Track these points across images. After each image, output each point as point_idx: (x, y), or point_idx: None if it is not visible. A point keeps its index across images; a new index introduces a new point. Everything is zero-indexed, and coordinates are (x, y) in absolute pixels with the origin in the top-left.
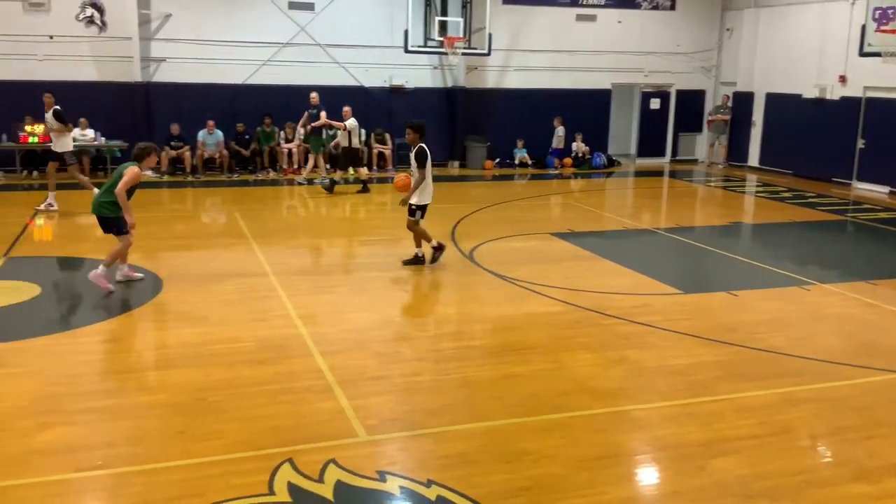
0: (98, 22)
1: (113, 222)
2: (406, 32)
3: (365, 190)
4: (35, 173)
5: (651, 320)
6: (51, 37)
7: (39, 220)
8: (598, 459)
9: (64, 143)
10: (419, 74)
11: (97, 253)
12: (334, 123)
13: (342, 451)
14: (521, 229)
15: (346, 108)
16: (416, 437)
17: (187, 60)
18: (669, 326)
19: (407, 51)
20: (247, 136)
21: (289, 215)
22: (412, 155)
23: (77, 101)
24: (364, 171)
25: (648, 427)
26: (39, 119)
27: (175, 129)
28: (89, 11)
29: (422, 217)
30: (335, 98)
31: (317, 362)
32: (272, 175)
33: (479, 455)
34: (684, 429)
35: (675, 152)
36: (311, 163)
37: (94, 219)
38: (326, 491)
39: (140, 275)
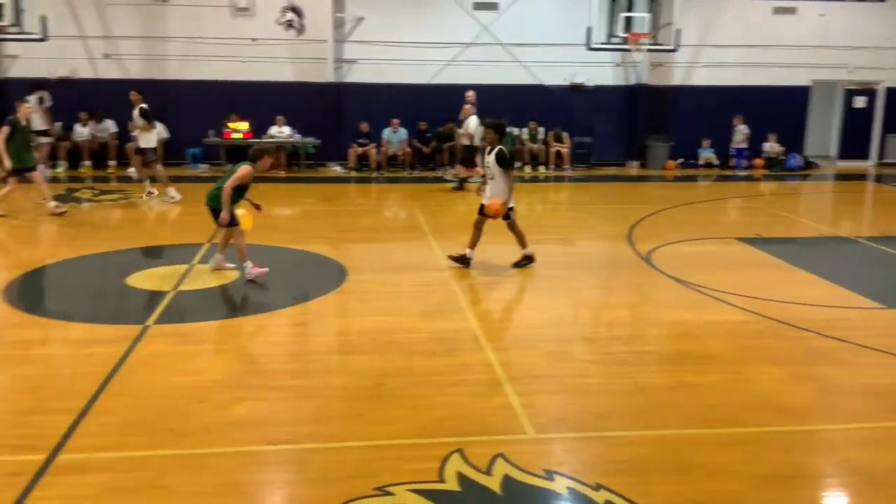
0: (297, 25)
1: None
2: (589, 30)
3: (460, 188)
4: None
5: (847, 335)
6: (254, 39)
7: (240, 210)
8: (780, 479)
9: (148, 140)
10: (601, 72)
11: (292, 242)
12: (458, 131)
13: (510, 446)
14: (704, 233)
15: (467, 106)
16: (585, 440)
17: (376, 62)
18: (869, 343)
19: (589, 48)
20: (428, 135)
21: (465, 212)
22: (491, 157)
23: (275, 99)
24: (461, 169)
25: (839, 449)
26: (246, 116)
27: (364, 127)
28: (289, 16)
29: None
30: (514, 97)
31: (488, 357)
32: (450, 173)
33: (650, 463)
34: (880, 454)
35: (881, 155)
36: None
37: (289, 209)
38: (494, 484)
39: (232, 265)
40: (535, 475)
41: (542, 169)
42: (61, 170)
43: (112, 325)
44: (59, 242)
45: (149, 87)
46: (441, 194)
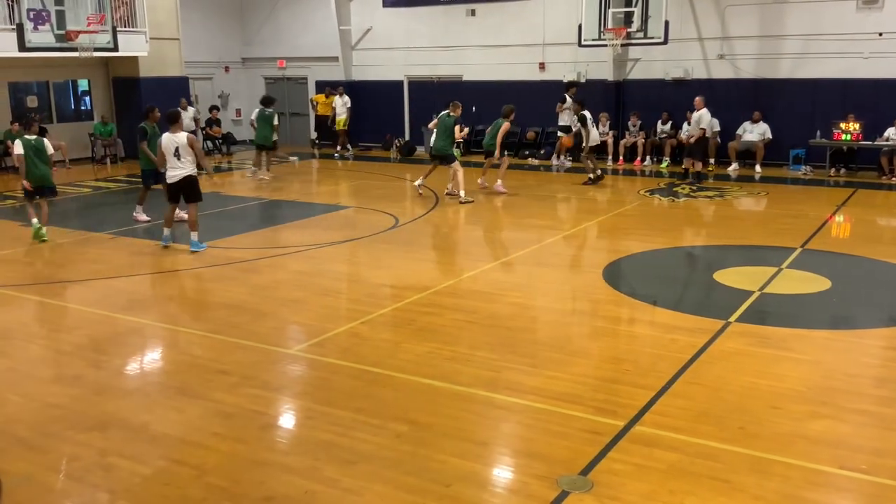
0: None
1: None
2: None
3: None
4: (842, 171)
5: None
6: (880, 34)
7: (839, 217)
8: None
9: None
10: None
11: (890, 256)
12: None
13: None
14: None
15: None
16: None
17: None
18: None
19: None
20: None
21: None
22: None
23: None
24: None
25: None
26: (860, 117)
27: None
28: None
29: None
30: None
31: None
32: None
33: None
34: None
35: None
36: None
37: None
38: None
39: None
40: None
41: None
42: (664, 165)
43: (695, 316)
44: (653, 233)
45: (758, 87)
46: None
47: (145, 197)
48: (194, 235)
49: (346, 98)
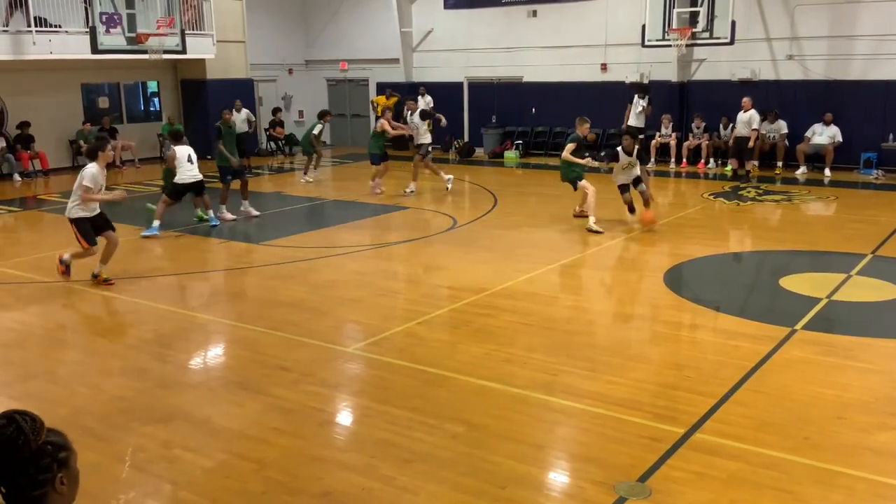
0: None
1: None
2: None
3: None
4: None
5: None
6: None
7: None
8: None
9: None
10: None
11: None
12: None
13: None
14: None
15: None
16: None
17: None
18: None
19: None
20: None
21: None
22: None
23: None
24: None
25: None
26: None
27: None
28: None
29: None
30: None
31: None
32: None
33: None
34: None
35: None
36: None
37: None
38: None
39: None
40: None
41: None
42: (729, 168)
43: (759, 323)
44: (717, 237)
45: (829, 88)
46: None
47: (227, 195)
48: (212, 213)
49: (429, 98)
